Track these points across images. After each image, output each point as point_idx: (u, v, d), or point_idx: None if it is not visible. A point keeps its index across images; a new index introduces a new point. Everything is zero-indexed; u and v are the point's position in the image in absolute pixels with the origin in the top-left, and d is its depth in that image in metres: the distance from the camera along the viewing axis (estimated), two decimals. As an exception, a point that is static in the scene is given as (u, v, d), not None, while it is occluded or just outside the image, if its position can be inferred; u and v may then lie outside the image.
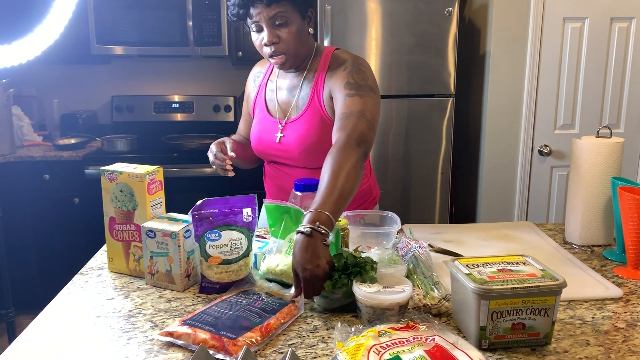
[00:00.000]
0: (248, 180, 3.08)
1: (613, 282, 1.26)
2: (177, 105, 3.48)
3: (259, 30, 1.48)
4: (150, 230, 1.23)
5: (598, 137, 1.49)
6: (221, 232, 1.20)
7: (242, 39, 3.21)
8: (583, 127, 3.00)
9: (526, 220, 3.11)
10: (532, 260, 1.07)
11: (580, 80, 2.95)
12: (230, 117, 3.50)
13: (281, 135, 1.61)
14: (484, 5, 3.03)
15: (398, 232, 1.44)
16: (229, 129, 3.49)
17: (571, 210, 1.53)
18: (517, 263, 1.05)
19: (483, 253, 1.43)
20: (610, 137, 1.48)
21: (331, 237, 1.20)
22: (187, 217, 1.24)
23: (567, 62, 2.93)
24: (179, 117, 3.50)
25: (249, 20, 1.49)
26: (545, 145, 3.01)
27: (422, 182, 3.08)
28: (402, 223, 1.45)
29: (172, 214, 1.30)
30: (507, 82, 2.97)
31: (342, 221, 1.29)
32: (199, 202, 1.22)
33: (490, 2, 2.94)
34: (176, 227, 1.21)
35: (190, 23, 3.10)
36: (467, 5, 3.30)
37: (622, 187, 1.31)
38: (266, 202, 1.26)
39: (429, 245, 1.39)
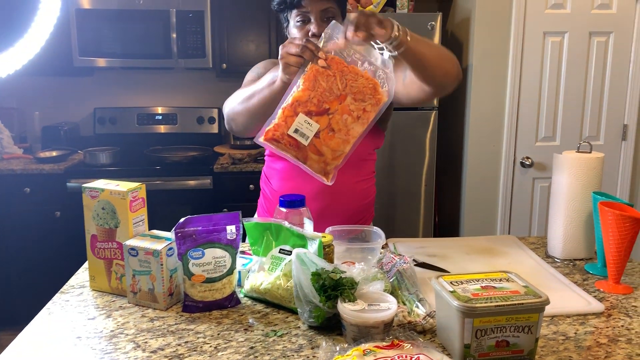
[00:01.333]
0: (233, 193, 3.08)
1: (595, 296, 1.27)
2: (161, 117, 3.47)
3: (305, 21, 1.48)
4: (133, 249, 1.21)
5: (579, 152, 1.51)
6: (204, 250, 1.19)
7: (227, 51, 3.21)
8: (564, 139, 3.05)
9: (509, 231, 3.13)
10: (515, 277, 1.07)
11: (561, 93, 3.00)
12: (215, 129, 3.49)
13: None
14: (466, 19, 3.06)
15: (383, 247, 1.44)
16: (214, 141, 3.49)
17: (553, 224, 1.54)
18: (500, 280, 1.06)
19: (466, 267, 1.43)
20: (590, 152, 1.50)
21: (314, 250, 1.20)
22: (170, 235, 1.23)
23: (548, 75, 2.97)
24: (162, 129, 3.48)
25: (294, 12, 1.48)
26: (527, 157, 3.05)
27: (406, 195, 3.10)
28: (387, 236, 1.46)
29: (155, 232, 1.29)
30: (489, 95, 3.01)
31: (327, 237, 1.29)
32: (182, 219, 1.21)
33: (472, 16, 2.98)
34: (159, 245, 1.20)
35: (174, 35, 3.09)
36: (449, 19, 3.34)
37: (602, 202, 1.33)
38: (245, 220, 1.26)
39: (413, 260, 1.39)
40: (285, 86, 1.24)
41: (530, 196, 3.11)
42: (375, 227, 1.48)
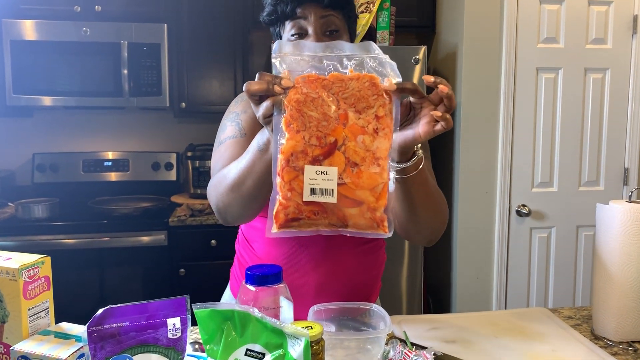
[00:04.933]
0: (192, 250, 2.65)
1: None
2: (110, 164, 3.05)
3: (302, 35, 1.13)
4: (24, 357, 0.80)
5: (631, 201, 1.18)
6: (134, 358, 0.80)
7: (186, 88, 2.85)
8: (562, 185, 2.76)
9: (506, 288, 2.79)
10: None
11: (557, 133, 2.73)
12: (172, 175, 3.09)
13: None
14: (452, 54, 2.80)
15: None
16: (171, 189, 3.08)
17: (601, 296, 1.20)
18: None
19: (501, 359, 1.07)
20: (645, 202, 1.17)
21: (298, 354, 0.81)
22: (84, 333, 0.83)
23: (543, 114, 2.71)
24: (112, 177, 3.06)
25: (288, 24, 1.13)
26: (524, 205, 2.74)
27: (387, 250, 2.73)
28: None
29: (64, 326, 0.89)
30: (479, 136, 2.71)
31: (315, 328, 0.90)
32: (100, 311, 0.81)
33: (459, 50, 2.72)
34: (63, 352, 0.80)
35: (126, 71, 2.72)
36: (431, 54, 3.08)
37: (684, 270, 0.99)
38: (196, 307, 0.86)
39: (433, 354, 1.01)
40: None
41: (528, 248, 2.78)
42: (375, 305, 1.11)
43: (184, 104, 2.85)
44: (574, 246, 2.80)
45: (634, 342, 1.17)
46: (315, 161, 0.83)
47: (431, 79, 0.88)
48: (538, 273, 2.81)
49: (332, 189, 0.83)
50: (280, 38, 1.17)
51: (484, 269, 2.80)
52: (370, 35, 2.70)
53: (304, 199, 0.83)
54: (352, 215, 0.85)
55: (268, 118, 0.86)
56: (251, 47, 2.95)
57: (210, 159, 2.80)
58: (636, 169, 2.80)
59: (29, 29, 2.67)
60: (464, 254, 2.79)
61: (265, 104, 0.84)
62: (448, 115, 0.88)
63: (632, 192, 1.20)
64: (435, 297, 3.11)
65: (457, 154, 2.77)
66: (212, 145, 1.26)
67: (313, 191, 0.83)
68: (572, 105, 2.72)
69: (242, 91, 1.34)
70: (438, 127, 0.89)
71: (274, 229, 0.85)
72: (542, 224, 2.77)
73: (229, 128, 1.21)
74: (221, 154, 1.17)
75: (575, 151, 2.76)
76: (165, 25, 2.75)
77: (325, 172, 0.83)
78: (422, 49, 2.64)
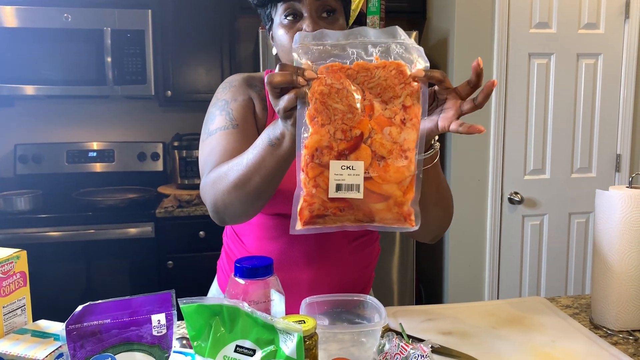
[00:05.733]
0: (179, 241, 2.60)
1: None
2: (95, 154, 2.98)
3: (296, 18, 1.06)
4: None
5: (631, 187, 1.15)
6: (117, 357, 0.75)
7: (171, 76, 2.78)
8: (554, 172, 2.74)
9: (498, 275, 2.77)
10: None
11: (549, 119, 2.71)
12: (159, 166, 3.03)
13: None
14: (443, 40, 2.76)
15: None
16: (157, 180, 3.02)
17: (601, 284, 1.17)
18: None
19: (500, 352, 1.03)
20: (646, 187, 1.14)
21: (290, 350, 0.77)
22: (62, 331, 0.78)
23: (535, 100, 2.68)
24: (97, 167, 2.99)
25: (281, 6, 1.06)
26: (516, 193, 2.72)
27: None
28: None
29: (42, 324, 0.84)
30: (471, 123, 2.67)
31: (308, 322, 0.86)
32: (80, 307, 0.76)
33: (451, 36, 2.67)
34: (41, 352, 0.75)
35: (109, 59, 2.65)
36: (422, 40, 3.03)
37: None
38: (182, 302, 0.81)
39: (430, 346, 0.98)
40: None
41: (521, 236, 2.76)
42: (369, 297, 1.07)
43: (169, 92, 2.78)
44: (567, 233, 2.79)
45: (634, 330, 1.14)
46: (341, 156, 0.81)
47: (480, 66, 0.83)
48: (530, 261, 2.79)
49: (359, 184, 0.81)
50: (271, 21, 1.11)
51: (476, 257, 2.77)
52: (360, 20, 2.65)
53: (330, 196, 0.80)
54: (379, 210, 0.83)
55: (289, 112, 0.81)
56: (238, 34, 2.89)
57: (197, 149, 2.76)
58: (628, 155, 2.78)
59: (8, 16, 2.59)
60: (455, 242, 2.76)
61: (288, 97, 0.79)
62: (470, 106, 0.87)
63: (632, 177, 1.16)
64: (427, 286, 3.09)
65: (448, 141, 2.73)
66: (199, 134, 1.19)
67: (339, 187, 0.81)
68: (565, 91, 2.70)
69: (228, 78, 1.28)
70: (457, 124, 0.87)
71: (299, 226, 0.83)
72: (534, 211, 2.75)
73: (218, 118, 1.13)
74: (212, 147, 1.08)
75: (568, 138, 2.73)
76: (150, 11, 2.67)
77: (351, 167, 0.81)
78: (413, 35, 2.59)
